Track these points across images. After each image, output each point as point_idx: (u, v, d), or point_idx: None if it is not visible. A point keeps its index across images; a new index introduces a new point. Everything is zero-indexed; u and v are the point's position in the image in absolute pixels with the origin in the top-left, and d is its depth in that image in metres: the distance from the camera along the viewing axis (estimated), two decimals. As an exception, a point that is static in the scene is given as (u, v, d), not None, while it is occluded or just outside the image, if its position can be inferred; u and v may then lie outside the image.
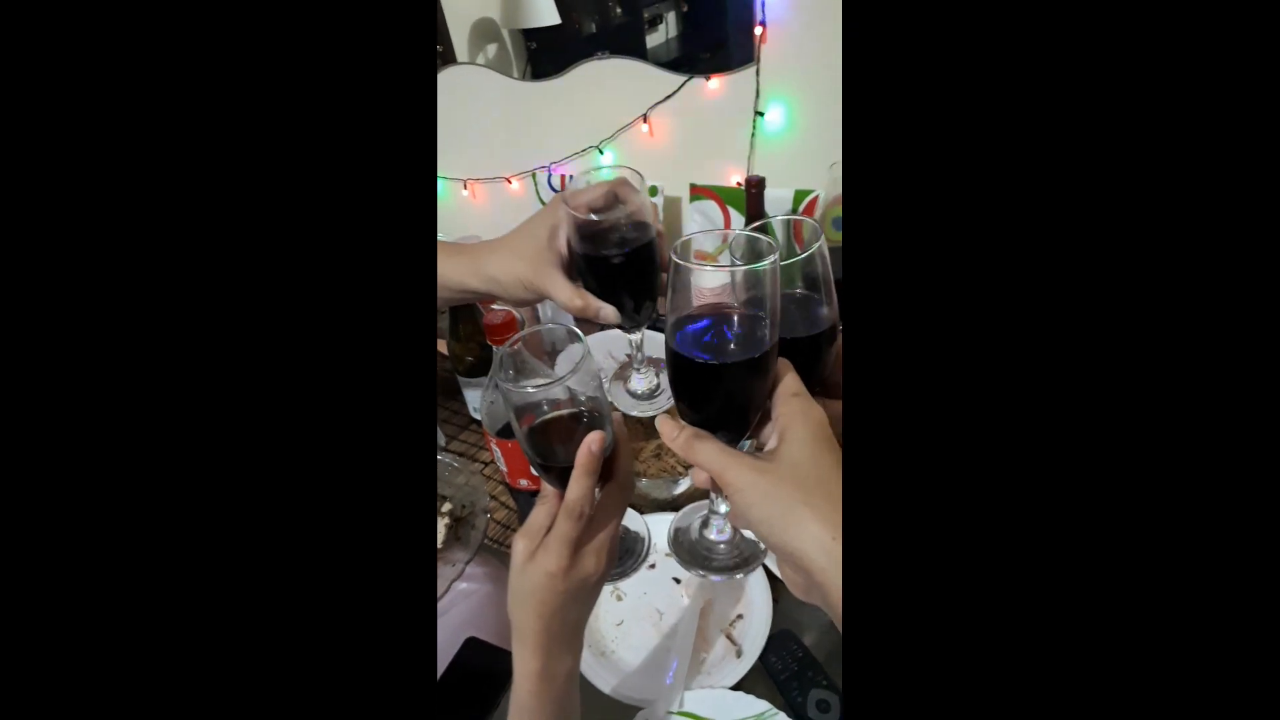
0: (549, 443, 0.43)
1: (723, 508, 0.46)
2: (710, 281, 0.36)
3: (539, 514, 0.43)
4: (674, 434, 0.37)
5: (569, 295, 0.47)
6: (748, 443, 0.39)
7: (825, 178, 0.97)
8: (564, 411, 0.42)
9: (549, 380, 0.40)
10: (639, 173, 0.46)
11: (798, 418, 0.35)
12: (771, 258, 0.33)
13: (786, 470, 0.33)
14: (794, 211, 1.00)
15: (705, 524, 0.47)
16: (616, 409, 0.47)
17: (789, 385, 0.36)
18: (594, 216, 0.44)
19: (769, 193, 0.94)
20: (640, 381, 0.54)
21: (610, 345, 0.87)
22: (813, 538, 0.31)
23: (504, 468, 0.72)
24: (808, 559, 0.31)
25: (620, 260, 0.44)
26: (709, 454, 0.35)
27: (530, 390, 0.40)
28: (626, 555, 0.52)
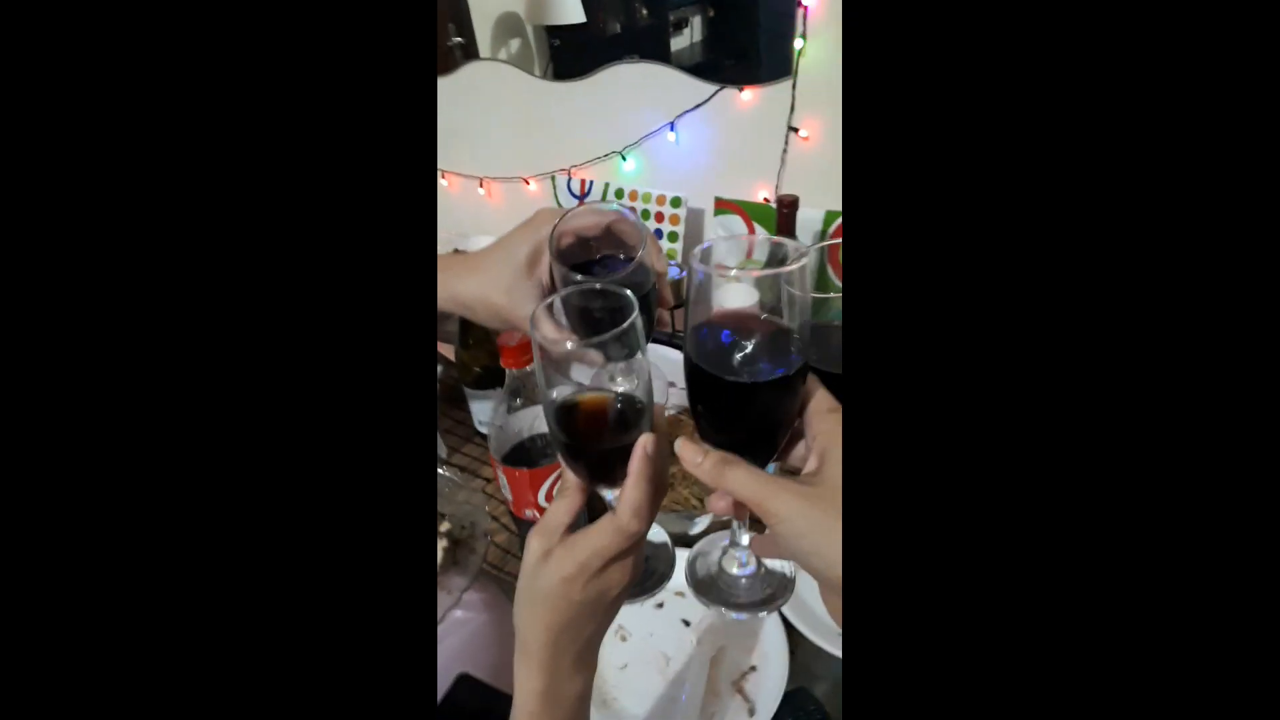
0: (581, 423, 0.37)
1: (745, 539, 0.42)
2: (733, 291, 0.33)
3: (558, 509, 0.37)
4: (698, 459, 0.33)
5: (552, 336, 0.42)
6: (773, 466, 0.36)
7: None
8: (603, 389, 0.37)
9: (599, 338, 0.33)
10: (637, 224, 0.41)
11: (838, 436, 0.32)
12: (801, 261, 0.31)
13: (834, 496, 0.30)
14: (824, 234, 0.96)
15: (725, 556, 0.43)
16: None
17: (822, 401, 0.33)
18: (577, 277, 0.39)
19: (800, 212, 0.90)
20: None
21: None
22: None
23: (509, 496, 0.68)
24: None
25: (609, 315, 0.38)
26: (743, 481, 0.32)
27: (572, 348, 0.34)
28: (647, 572, 0.47)
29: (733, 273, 0.33)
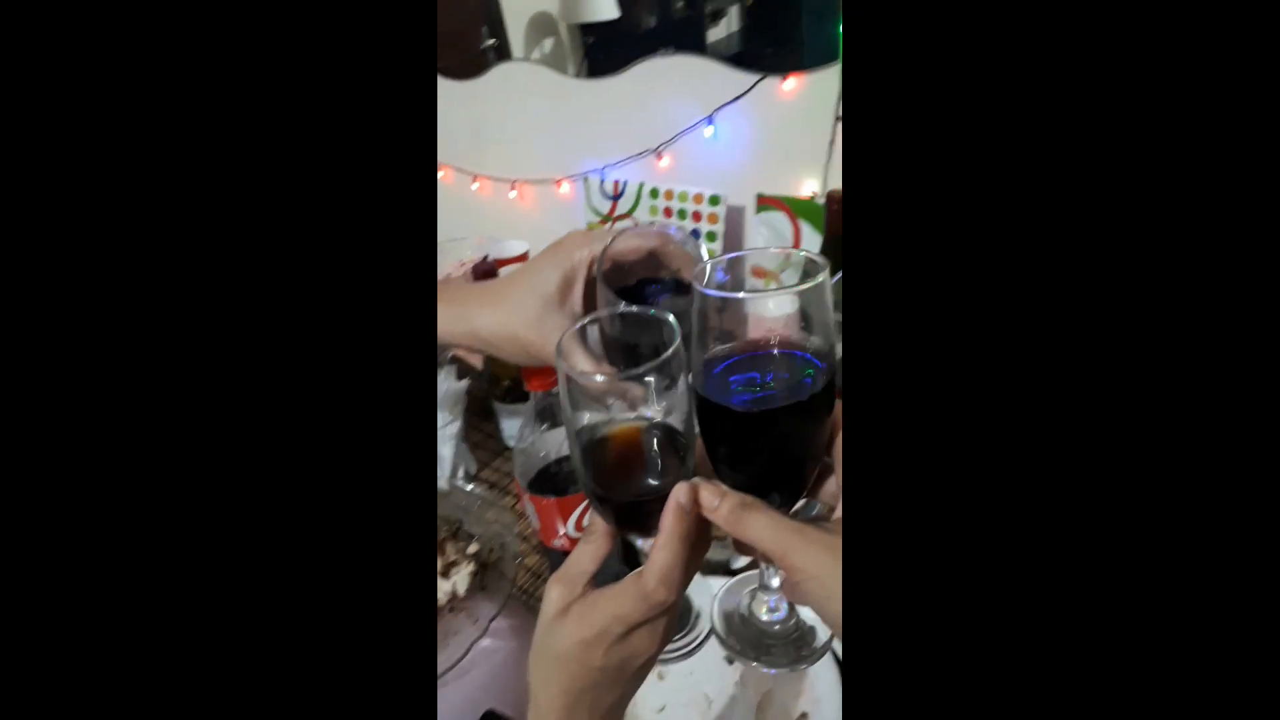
0: (609, 463, 0.33)
1: (775, 581, 0.37)
2: (754, 311, 0.30)
3: (582, 555, 0.34)
4: (714, 502, 0.30)
5: (581, 367, 0.38)
6: (806, 502, 0.33)
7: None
8: (637, 422, 0.32)
9: (626, 374, 0.29)
10: (684, 246, 0.38)
11: None
12: (820, 277, 0.28)
13: None
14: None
15: (755, 601, 0.39)
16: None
17: None
18: (629, 306, 0.35)
19: (848, 208, 0.83)
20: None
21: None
22: None
23: (536, 525, 0.63)
24: None
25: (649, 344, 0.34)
26: (764, 529, 0.29)
27: (602, 381, 0.31)
28: (682, 628, 0.42)
29: (742, 293, 0.30)
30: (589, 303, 0.40)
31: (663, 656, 0.40)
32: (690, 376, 0.30)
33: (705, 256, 0.37)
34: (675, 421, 0.31)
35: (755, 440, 0.31)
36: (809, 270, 0.29)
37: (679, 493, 0.30)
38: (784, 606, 0.38)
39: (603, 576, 0.34)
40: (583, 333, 0.33)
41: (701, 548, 0.33)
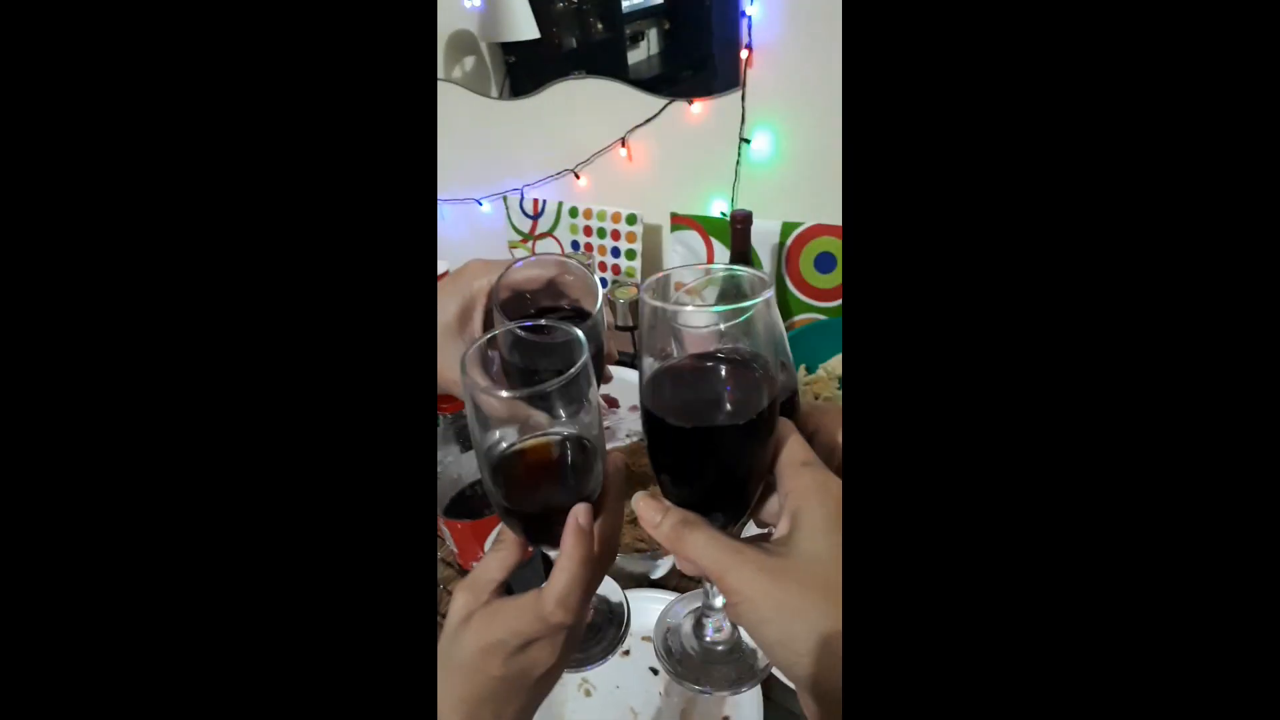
0: (519, 477, 0.33)
1: (719, 601, 0.37)
2: (691, 325, 0.30)
3: (490, 564, 0.33)
4: (656, 519, 0.29)
5: (482, 383, 0.38)
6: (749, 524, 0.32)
7: (815, 210, 0.90)
8: (546, 437, 0.32)
9: (530, 390, 0.29)
10: (583, 263, 0.38)
11: (812, 495, 0.27)
12: (765, 294, 0.27)
13: (806, 570, 0.26)
14: (782, 245, 0.93)
15: (699, 624, 0.38)
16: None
17: (795, 452, 0.29)
18: (521, 330, 0.34)
19: (755, 225, 0.87)
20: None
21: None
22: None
23: (454, 549, 0.64)
24: (840, 697, 0.23)
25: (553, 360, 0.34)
26: (703, 548, 0.28)
27: (507, 397, 0.30)
28: (595, 637, 0.42)
29: (690, 308, 0.29)
30: (488, 332, 0.40)
31: (575, 660, 0.40)
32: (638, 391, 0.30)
33: (599, 287, 0.38)
34: (586, 434, 0.31)
35: (699, 457, 0.30)
36: (754, 286, 0.29)
37: (577, 513, 0.30)
38: (727, 626, 0.37)
39: (523, 584, 0.34)
40: (484, 355, 0.32)
41: (604, 564, 0.33)
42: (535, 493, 0.32)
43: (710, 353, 0.30)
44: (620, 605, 0.42)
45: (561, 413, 0.31)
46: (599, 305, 0.37)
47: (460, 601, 0.32)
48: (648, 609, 0.40)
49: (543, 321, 0.34)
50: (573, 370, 0.29)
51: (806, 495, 0.27)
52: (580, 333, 0.30)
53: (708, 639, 0.37)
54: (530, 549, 0.34)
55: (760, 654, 0.36)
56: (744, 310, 0.28)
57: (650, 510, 0.30)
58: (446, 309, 0.39)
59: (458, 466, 0.62)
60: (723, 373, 0.30)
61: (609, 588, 0.44)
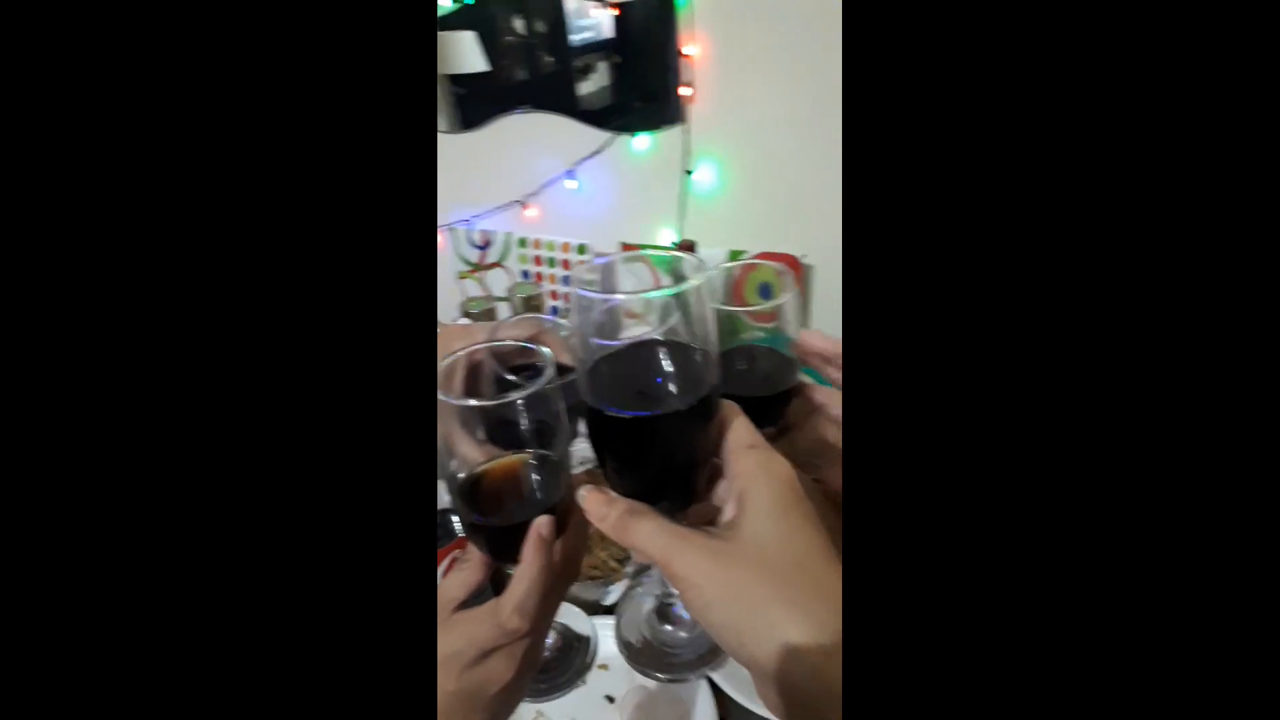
0: (485, 492, 0.33)
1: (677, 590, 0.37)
2: (626, 310, 0.29)
3: (452, 582, 0.33)
4: (603, 511, 0.29)
5: (476, 459, 0.38)
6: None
7: (757, 239, 0.92)
8: (513, 455, 0.33)
9: (501, 400, 0.29)
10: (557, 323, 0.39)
11: (759, 477, 0.27)
12: (702, 275, 0.27)
13: (752, 553, 0.26)
14: (729, 278, 0.94)
15: (661, 612, 0.37)
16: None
17: (741, 435, 0.28)
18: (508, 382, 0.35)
19: (702, 252, 0.89)
20: None
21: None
22: (792, 652, 0.23)
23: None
24: (790, 679, 0.23)
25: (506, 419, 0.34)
26: (649, 536, 0.27)
27: (475, 405, 0.30)
28: (561, 666, 0.41)
29: (621, 296, 0.28)
30: (468, 396, 0.41)
31: (539, 690, 0.40)
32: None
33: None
34: (551, 452, 0.32)
35: (640, 444, 0.29)
36: (688, 269, 0.28)
37: (540, 525, 0.30)
38: (686, 613, 0.37)
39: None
40: (468, 370, 0.33)
41: (566, 578, 0.33)
42: (499, 508, 0.33)
43: (647, 339, 0.29)
44: (587, 636, 0.42)
45: (528, 429, 0.31)
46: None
47: None
48: (606, 638, 0.40)
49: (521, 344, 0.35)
50: (540, 381, 0.29)
51: (753, 478, 0.27)
52: (546, 350, 0.31)
53: (667, 630, 0.37)
54: (493, 567, 0.34)
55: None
56: (681, 289, 0.27)
57: (597, 504, 0.29)
58: None
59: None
60: (661, 358, 0.29)
61: (575, 617, 0.44)
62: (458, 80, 1.18)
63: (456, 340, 0.39)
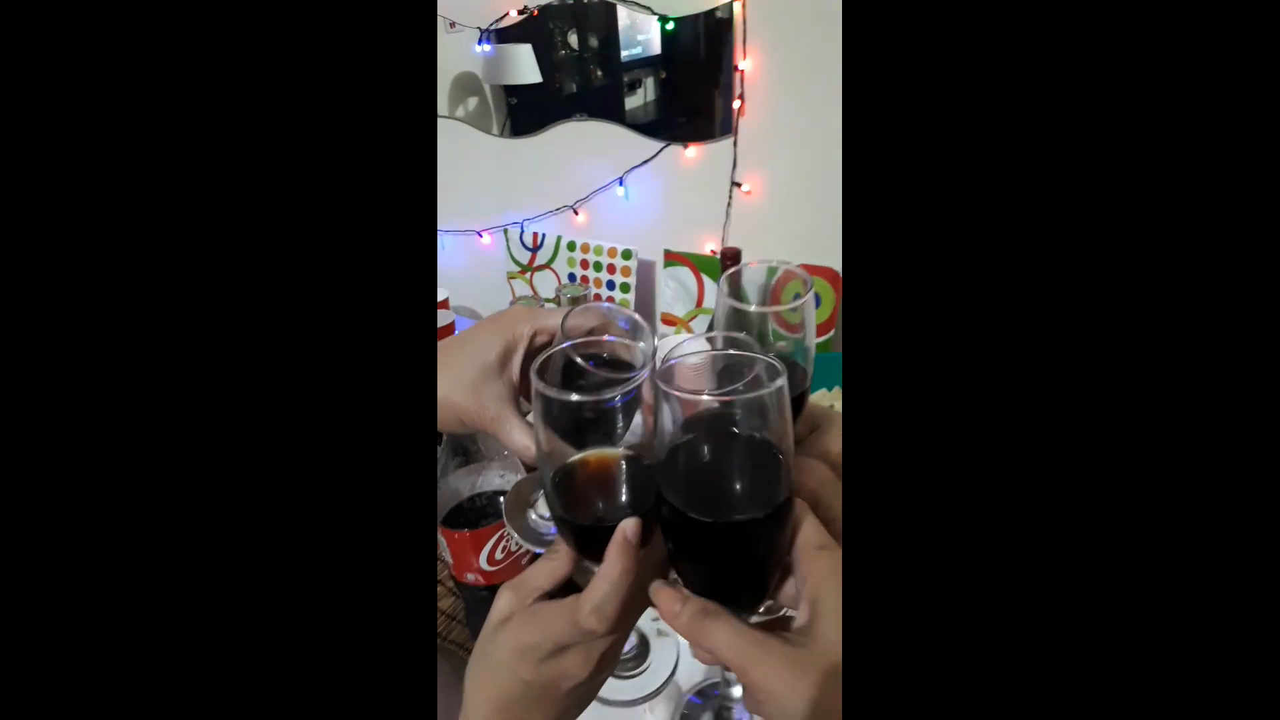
0: (577, 487, 0.33)
1: (736, 691, 0.37)
2: (706, 412, 0.29)
3: (540, 570, 0.33)
4: (676, 608, 0.29)
5: (523, 442, 0.38)
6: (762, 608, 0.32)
7: (800, 251, 0.96)
8: (608, 452, 0.32)
9: (598, 397, 0.29)
10: (640, 321, 0.39)
11: (830, 580, 0.27)
12: (779, 381, 0.27)
13: (830, 661, 0.26)
14: (767, 286, 0.97)
15: (716, 714, 0.38)
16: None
17: (811, 536, 0.29)
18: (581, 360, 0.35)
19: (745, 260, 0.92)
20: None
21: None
22: None
23: (449, 560, 0.66)
24: None
25: (599, 414, 0.33)
26: (727, 640, 0.27)
27: (576, 400, 0.29)
28: (637, 661, 0.43)
29: (705, 396, 0.29)
30: (524, 376, 0.40)
31: (624, 698, 0.40)
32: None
33: (649, 337, 0.38)
34: (643, 453, 0.31)
35: (717, 547, 0.29)
36: (770, 374, 0.28)
37: (625, 527, 0.30)
38: (747, 718, 0.37)
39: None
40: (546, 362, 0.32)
41: (648, 583, 0.32)
42: (590, 505, 0.33)
43: (726, 435, 0.29)
44: (670, 639, 0.43)
45: (622, 427, 0.31)
46: (650, 356, 0.36)
47: (504, 602, 0.33)
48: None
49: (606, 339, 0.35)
50: (640, 375, 0.29)
51: (824, 580, 0.27)
52: (641, 345, 0.32)
53: None
54: (579, 562, 0.34)
55: None
56: (764, 392, 0.27)
57: (669, 600, 0.29)
58: (490, 349, 0.40)
59: (456, 481, 0.64)
60: (741, 459, 0.29)
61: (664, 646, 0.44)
62: (510, 91, 1.24)
63: (521, 320, 0.41)
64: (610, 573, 0.29)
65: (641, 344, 0.37)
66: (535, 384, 0.29)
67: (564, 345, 0.35)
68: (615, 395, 0.29)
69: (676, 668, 0.42)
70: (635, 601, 0.31)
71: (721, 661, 0.28)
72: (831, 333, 0.98)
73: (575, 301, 1.14)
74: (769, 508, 0.28)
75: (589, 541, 0.32)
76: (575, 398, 0.29)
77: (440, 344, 0.41)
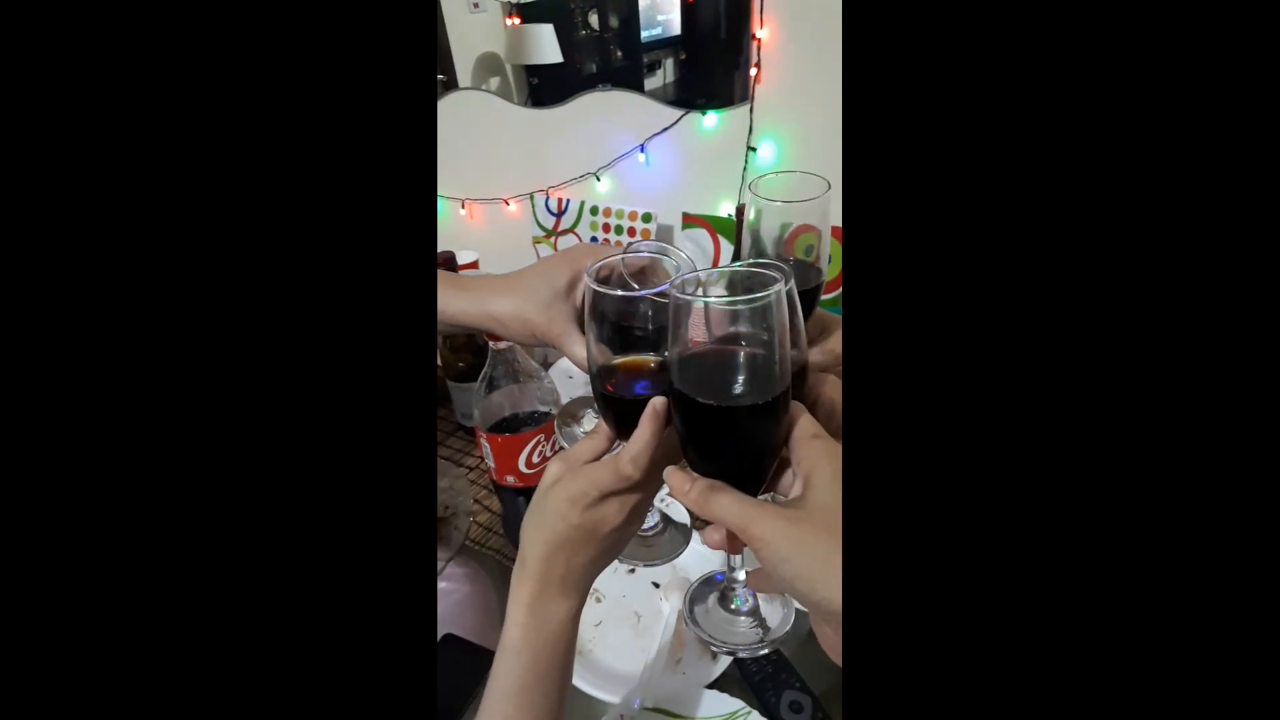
0: (619, 374, 0.40)
1: (741, 575, 0.43)
2: (714, 317, 0.34)
3: (585, 446, 0.40)
4: (686, 487, 0.34)
5: (582, 354, 0.44)
6: (765, 497, 0.36)
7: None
8: (644, 356, 0.40)
9: (655, 289, 0.36)
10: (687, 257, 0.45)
11: (823, 459, 0.32)
12: (777, 286, 0.31)
13: (819, 516, 0.30)
14: (780, 239, 1.04)
15: (724, 597, 0.43)
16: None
17: (806, 427, 0.34)
18: (634, 288, 0.41)
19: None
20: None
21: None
22: None
23: (492, 464, 0.73)
24: None
25: (646, 333, 0.41)
26: (729, 507, 0.32)
27: (629, 295, 0.37)
28: (661, 543, 0.50)
29: (714, 301, 0.34)
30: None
31: (649, 554, 0.48)
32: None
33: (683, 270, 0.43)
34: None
35: (723, 432, 0.34)
36: (767, 281, 0.32)
37: (655, 402, 0.36)
38: (751, 599, 0.42)
39: None
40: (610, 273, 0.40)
41: (673, 451, 0.38)
42: (628, 389, 0.40)
43: (733, 339, 0.34)
44: (685, 525, 0.52)
45: (643, 332, 0.39)
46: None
47: (554, 469, 0.40)
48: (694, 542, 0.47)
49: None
50: (662, 288, 0.35)
51: (817, 461, 0.32)
52: (673, 260, 0.40)
53: (730, 609, 0.43)
54: (615, 440, 0.41)
55: (778, 621, 0.42)
56: (761, 299, 0.31)
57: (680, 480, 0.35)
58: (561, 276, 0.46)
59: (500, 398, 0.71)
60: (744, 358, 0.34)
61: (677, 510, 0.52)
62: (531, 70, 1.30)
63: (587, 255, 0.48)
64: (643, 433, 0.36)
65: (679, 267, 0.45)
66: (587, 281, 0.37)
67: (618, 264, 0.42)
68: (643, 290, 0.37)
69: (689, 540, 0.50)
70: (661, 463, 0.37)
71: (727, 524, 0.32)
72: (840, 290, 1.04)
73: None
74: (766, 397, 0.32)
75: (625, 416, 0.39)
76: (616, 292, 0.37)
77: (517, 272, 0.49)
